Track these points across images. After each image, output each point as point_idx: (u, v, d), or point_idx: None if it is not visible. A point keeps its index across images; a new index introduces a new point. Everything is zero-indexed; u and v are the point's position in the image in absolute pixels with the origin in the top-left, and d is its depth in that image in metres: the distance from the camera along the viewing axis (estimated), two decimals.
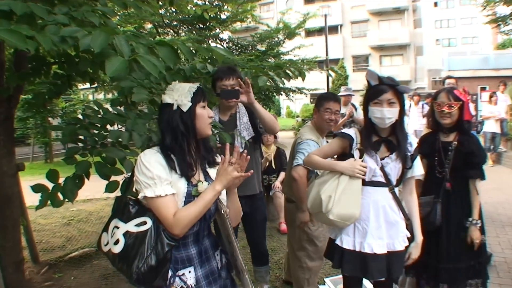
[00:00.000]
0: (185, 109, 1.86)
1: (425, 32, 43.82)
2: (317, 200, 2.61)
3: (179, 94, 1.88)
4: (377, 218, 2.58)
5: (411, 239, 2.72)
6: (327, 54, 20.82)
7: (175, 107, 1.87)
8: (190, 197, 1.86)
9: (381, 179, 2.59)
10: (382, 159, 2.58)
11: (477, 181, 3.15)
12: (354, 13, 41.89)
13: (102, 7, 2.33)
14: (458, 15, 46.34)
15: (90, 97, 16.64)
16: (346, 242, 2.63)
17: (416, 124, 11.89)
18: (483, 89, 20.41)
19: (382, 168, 2.58)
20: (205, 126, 1.94)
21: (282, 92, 17.82)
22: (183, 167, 1.85)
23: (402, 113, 2.56)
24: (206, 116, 1.94)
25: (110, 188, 2.66)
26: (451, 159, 3.11)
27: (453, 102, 3.05)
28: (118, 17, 3.07)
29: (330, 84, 22.87)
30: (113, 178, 2.69)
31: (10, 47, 3.18)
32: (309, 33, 22.60)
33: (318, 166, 2.75)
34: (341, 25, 42.14)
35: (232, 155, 1.87)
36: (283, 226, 6.01)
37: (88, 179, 2.69)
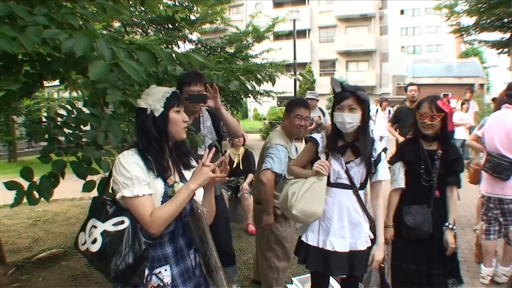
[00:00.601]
0: (157, 114, 1.90)
1: (390, 39, 44.86)
2: (285, 196, 2.81)
3: (153, 99, 1.91)
4: (341, 218, 2.74)
5: (374, 241, 2.85)
6: (295, 58, 21.04)
7: (148, 112, 1.91)
8: (167, 197, 1.91)
9: (346, 181, 2.75)
10: (347, 162, 2.73)
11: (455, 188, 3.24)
12: (322, 18, 42.45)
13: (82, 10, 2.36)
14: (423, 23, 47.73)
15: (55, 95, 16.29)
16: (311, 238, 2.79)
17: (381, 129, 11.92)
18: (446, 95, 21.06)
19: (346, 171, 2.74)
20: (179, 130, 1.98)
21: (250, 95, 17.92)
22: (159, 168, 1.90)
23: (364, 119, 2.70)
24: (180, 120, 1.97)
25: (87, 187, 2.69)
26: (438, 167, 3.12)
27: (435, 113, 3.04)
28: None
29: (298, 88, 23.10)
30: (89, 178, 2.71)
31: None
32: (278, 36, 22.73)
33: (298, 176, 2.85)
34: (309, 30, 42.61)
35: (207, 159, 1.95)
36: (251, 227, 6.08)
37: (63, 178, 2.71)
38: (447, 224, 3.14)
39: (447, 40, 39.60)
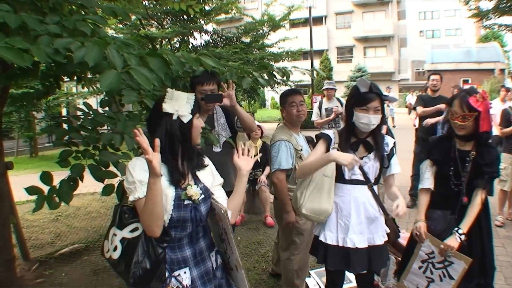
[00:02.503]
0: (185, 120, 1.94)
1: (408, 23, 44.14)
2: (294, 197, 2.87)
3: (179, 105, 1.94)
4: (358, 214, 2.73)
5: (390, 235, 2.86)
6: (311, 46, 20.90)
7: (175, 117, 1.94)
8: (179, 200, 1.94)
9: (360, 177, 2.76)
10: (361, 158, 2.73)
11: (483, 194, 2.88)
12: (338, 4, 41.88)
13: (93, 16, 2.39)
14: (441, 7, 46.82)
15: (74, 90, 16.48)
16: (330, 237, 2.77)
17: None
18: (465, 82, 20.73)
19: (360, 167, 2.74)
20: (198, 135, 2.05)
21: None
22: (175, 176, 1.94)
23: (382, 118, 2.71)
24: (199, 126, 2.03)
25: (105, 191, 2.75)
26: (469, 171, 2.87)
27: (467, 113, 2.76)
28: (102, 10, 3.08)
29: (315, 76, 22.96)
30: (108, 181, 2.77)
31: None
32: (294, 24, 22.55)
33: (310, 169, 2.73)
34: (325, 16, 42.16)
35: None
36: (269, 220, 6.14)
37: (82, 181, 2.77)
38: (456, 228, 2.84)
39: (466, 24, 38.81)
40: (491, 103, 3.21)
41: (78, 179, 2.72)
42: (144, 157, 1.73)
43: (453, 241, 2.80)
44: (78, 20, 2.21)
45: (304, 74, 4.01)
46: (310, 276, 4.29)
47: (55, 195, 2.70)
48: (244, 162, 2.22)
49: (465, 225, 2.84)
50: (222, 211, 2.01)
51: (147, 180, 1.83)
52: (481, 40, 32.15)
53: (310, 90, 23.07)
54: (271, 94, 38.77)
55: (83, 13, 2.63)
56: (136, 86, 2.54)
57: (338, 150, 2.72)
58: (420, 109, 6.64)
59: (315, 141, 2.94)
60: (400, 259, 3.74)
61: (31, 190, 2.72)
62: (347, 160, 2.48)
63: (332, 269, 2.85)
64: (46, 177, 2.69)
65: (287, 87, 19.44)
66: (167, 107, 1.95)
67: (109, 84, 1.74)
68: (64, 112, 15.97)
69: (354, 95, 2.75)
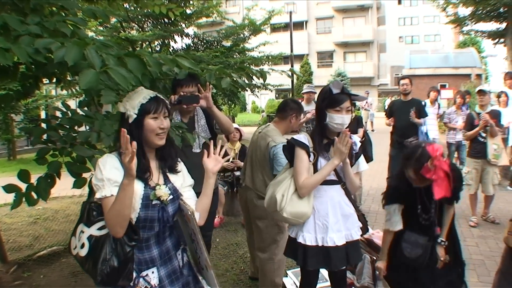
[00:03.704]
0: (130, 120, 1.95)
1: (388, 29, 44.76)
2: (273, 199, 2.85)
3: (130, 105, 1.95)
4: (335, 213, 2.81)
5: (362, 229, 2.98)
6: (291, 51, 21.04)
7: (126, 116, 1.97)
8: (147, 200, 1.97)
9: (334, 177, 2.84)
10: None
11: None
12: (319, 9, 42.35)
13: (73, 17, 2.43)
14: (421, 13, 47.58)
15: (53, 92, 16.30)
16: (309, 238, 2.81)
17: (433, 130, 9.14)
18: (442, 86, 21.09)
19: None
20: (152, 137, 1.99)
21: (247, 88, 17.92)
22: (137, 170, 1.88)
23: (359, 121, 2.81)
24: (155, 127, 1.98)
25: (78, 184, 2.77)
26: (436, 203, 2.96)
27: (421, 180, 2.80)
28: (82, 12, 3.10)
29: (295, 80, 23.12)
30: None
31: None
32: (275, 29, 22.77)
33: (318, 181, 2.74)
34: (306, 21, 42.52)
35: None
36: None
37: (59, 178, 2.80)
38: (439, 240, 3.06)
39: (445, 30, 39.50)
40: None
41: (55, 176, 2.74)
42: (122, 157, 1.75)
43: (441, 250, 3.06)
44: (59, 21, 2.25)
45: (282, 74, 4.10)
46: (287, 276, 4.36)
47: (33, 192, 2.72)
48: (212, 163, 2.18)
49: (443, 234, 3.10)
50: (189, 213, 2.04)
51: (116, 178, 1.86)
52: (460, 46, 32.69)
53: (290, 94, 23.24)
54: (252, 98, 38.90)
55: (63, 14, 2.66)
56: (115, 86, 2.58)
57: (314, 154, 2.80)
58: (390, 121, 7.08)
59: (287, 146, 2.95)
60: (375, 258, 3.86)
61: (8, 188, 2.74)
62: (344, 152, 2.64)
63: (313, 269, 2.90)
64: (23, 175, 2.72)
65: (268, 91, 19.60)
66: (120, 106, 1.99)
67: (87, 82, 1.79)
68: (43, 114, 15.78)
69: (327, 97, 2.81)
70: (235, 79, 3.33)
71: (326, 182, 2.80)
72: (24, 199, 2.75)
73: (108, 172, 1.88)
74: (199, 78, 3.43)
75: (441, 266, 3.05)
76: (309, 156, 2.80)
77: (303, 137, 2.86)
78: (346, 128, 2.75)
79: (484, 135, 6.11)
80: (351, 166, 2.85)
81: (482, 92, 6.40)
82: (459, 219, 6.31)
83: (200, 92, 3.34)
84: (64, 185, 2.92)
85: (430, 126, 8.77)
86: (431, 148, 2.75)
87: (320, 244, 2.78)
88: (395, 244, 3.13)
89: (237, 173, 6.53)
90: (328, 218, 2.79)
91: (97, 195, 1.87)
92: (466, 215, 6.47)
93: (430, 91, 9.60)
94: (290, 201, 2.76)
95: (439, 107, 9.66)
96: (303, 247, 2.82)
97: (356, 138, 2.96)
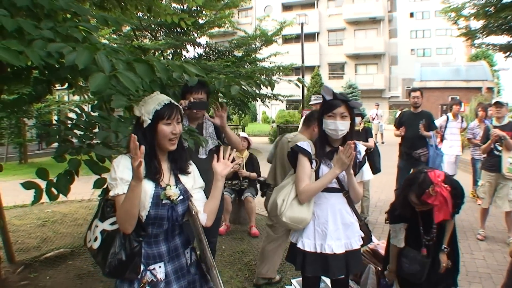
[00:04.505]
0: (145, 125, 2.05)
1: (400, 42, 44.78)
2: (274, 204, 2.89)
3: (145, 110, 2.05)
4: (335, 220, 2.82)
5: (364, 239, 2.98)
6: (303, 62, 21.13)
7: (141, 121, 2.07)
8: (157, 199, 2.06)
9: (335, 185, 2.85)
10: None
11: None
12: (331, 21, 42.52)
13: (85, 23, 2.51)
14: (433, 26, 47.56)
15: (66, 98, 16.50)
16: (308, 244, 2.84)
17: (455, 146, 8.89)
18: (453, 99, 21.04)
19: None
20: (165, 142, 2.09)
21: (258, 98, 18.02)
22: (149, 171, 2.04)
23: (352, 125, 2.82)
24: (167, 132, 2.07)
25: (98, 184, 2.85)
26: (436, 225, 3.09)
27: (423, 205, 2.96)
28: (95, 19, 3.18)
29: (306, 92, 23.17)
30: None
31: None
32: (286, 40, 22.88)
33: (318, 189, 2.79)
34: (318, 33, 42.70)
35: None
36: (254, 230, 6.23)
37: (78, 176, 2.89)
38: (442, 247, 3.21)
39: (457, 43, 39.46)
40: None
41: (74, 173, 2.83)
42: (131, 161, 1.85)
43: (444, 256, 3.20)
44: (71, 27, 2.33)
45: (290, 83, 4.16)
46: (291, 285, 4.37)
47: (53, 188, 2.81)
48: (221, 166, 2.27)
49: (445, 241, 3.22)
50: (193, 212, 2.14)
51: (128, 178, 1.95)
52: (471, 59, 32.60)
53: (301, 105, 23.29)
54: (263, 108, 39.00)
55: (76, 21, 2.74)
56: (125, 91, 2.65)
57: (316, 161, 2.83)
58: (400, 131, 6.89)
59: (291, 153, 2.99)
60: (380, 268, 3.86)
61: (27, 185, 2.82)
62: (346, 163, 2.62)
63: (311, 275, 2.92)
64: (42, 173, 2.81)
65: (278, 102, 19.65)
66: (135, 110, 2.09)
67: (97, 85, 1.86)
68: (54, 120, 15.97)
69: (322, 104, 2.87)
70: (243, 87, 3.38)
71: (328, 190, 2.82)
72: (45, 195, 2.84)
73: (121, 172, 1.98)
74: (208, 85, 3.51)
75: (443, 271, 3.19)
76: (311, 163, 2.83)
77: (306, 144, 2.91)
78: (345, 135, 2.79)
79: (500, 148, 5.93)
80: (355, 174, 2.84)
81: (499, 104, 6.29)
82: (467, 232, 6.30)
83: (216, 111, 3.43)
84: (74, 189, 3.00)
85: (453, 142, 8.61)
86: (433, 175, 2.90)
87: (318, 251, 2.80)
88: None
89: (245, 183, 6.58)
90: (328, 225, 2.80)
91: (111, 193, 1.98)
92: (474, 228, 6.46)
93: (453, 104, 8.98)
94: (290, 206, 2.80)
95: (462, 121, 9.00)
96: (302, 253, 2.85)
97: (362, 147, 2.97)
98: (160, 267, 2.10)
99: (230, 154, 2.35)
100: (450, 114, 8.79)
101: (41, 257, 5.17)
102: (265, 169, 7.05)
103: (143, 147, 1.82)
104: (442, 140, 8.53)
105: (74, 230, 6.57)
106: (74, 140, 2.95)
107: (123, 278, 2.02)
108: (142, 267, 2.04)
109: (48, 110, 14.32)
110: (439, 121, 8.48)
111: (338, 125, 2.73)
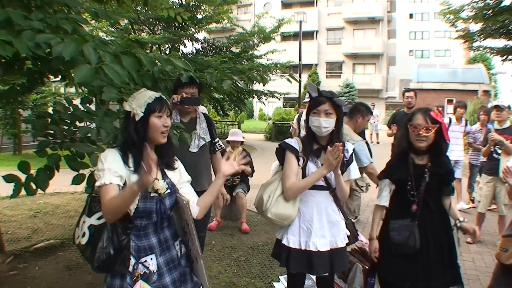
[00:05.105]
0: (137, 118, 2.07)
1: (398, 42, 44.78)
2: (260, 200, 2.92)
3: (136, 104, 2.07)
4: (320, 218, 2.83)
5: (350, 238, 3.00)
6: (300, 60, 21.16)
7: (131, 115, 2.08)
8: (146, 192, 2.05)
9: (322, 183, 2.85)
10: (322, 165, 2.81)
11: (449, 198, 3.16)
12: (330, 20, 42.51)
13: (75, 16, 2.51)
14: (432, 28, 47.52)
15: (62, 90, 16.47)
16: (292, 241, 2.85)
17: (457, 150, 8.31)
18: (450, 101, 21.08)
19: None
20: (157, 135, 2.12)
21: (254, 95, 18.04)
22: (136, 166, 2.06)
23: (338, 123, 2.81)
24: (159, 125, 2.10)
25: (76, 180, 2.84)
26: (427, 182, 2.99)
27: (430, 125, 2.90)
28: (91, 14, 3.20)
29: (302, 89, 23.20)
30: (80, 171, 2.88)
31: None
32: (286, 37, 22.87)
33: (304, 187, 2.81)
34: (316, 31, 42.69)
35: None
36: (244, 226, 6.26)
37: (58, 171, 2.89)
38: (459, 220, 3.07)
39: (455, 46, 39.48)
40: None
41: (54, 168, 2.82)
42: (143, 174, 1.81)
43: (466, 227, 3.05)
44: (61, 19, 2.34)
45: (282, 78, 4.19)
46: (279, 281, 4.40)
47: (32, 183, 2.80)
48: (226, 166, 2.28)
49: (458, 215, 3.12)
50: (185, 202, 2.15)
51: (116, 169, 1.99)
52: (470, 62, 32.62)
53: (297, 103, 23.33)
54: (260, 106, 39.03)
55: (66, 12, 2.75)
56: (112, 83, 2.67)
57: (303, 158, 2.84)
58: (392, 129, 6.82)
59: (279, 149, 2.99)
60: (367, 267, 3.88)
61: (8, 178, 2.82)
62: (333, 164, 2.61)
63: (294, 272, 2.92)
64: (24, 166, 2.81)
65: (275, 99, 19.69)
66: (126, 105, 2.11)
67: (82, 76, 1.88)
68: (50, 111, 15.91)
69: (309, 101, 2.89)
70: (236, 82, 3.40)
71: (314, 187, 2.83)
72: (23, 189, 2.83)
73: (109, 163, 2.01)
74: (200, 79, 3.54)
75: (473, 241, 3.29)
76: (298, 160, 2.85)
77: (294, 141, 2.91)
78: (332, 133, 2.80)
79: (500, 151, 5.83)
80: (342, 173, 2.83)
81: (499, 108, 6.28)
82: (458, 234, 6.31)
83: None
84: (66, 181, 3.01)
85: (455, 146, 7.97)
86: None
87: (303, 248, 2.81)
88: (385, 247, 3.15)
89: (236, 179, 6.60)
90: (313, 223, 2.81)
91: (97, 183, 1.99)
92: None
93: (457, 107, 8.31)
94: (276, 203, 2.82)
95: (466, 124, 8.28)
96: (287, 249, 2.86)
97: (350, 145, 2.98)
98: (151, 259, 2.12)
99: (235, 158, 2.36)
100: (453, 117, 8.26)
101: (31, 247, 5.17)
102: (258, 166, 7.09)
103: (154, 156, 1.84)
104: None
105: (66, 221, 6.57)
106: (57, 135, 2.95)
107: (113, 272, 2.04)
108: (133, 261, 2.06)
109: (44, 102, 14.30)
110: None
111: (322, 122, 2.73)
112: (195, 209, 2.25)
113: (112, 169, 1.99)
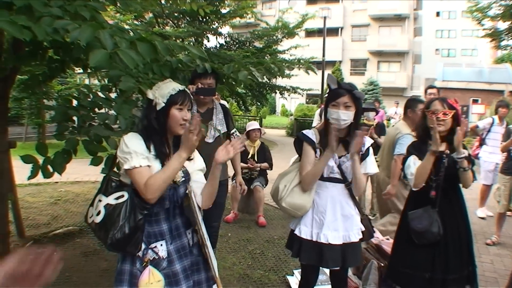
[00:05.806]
0: (158, 108, 2.11)
1: (424, 41, 43.99)
2: (276, 189, 2.94)
3: (159, 93, 2.12)
4: (334, 211, 2.83)
5: (364, 234, 2.96)
6: (323, 56, 21.03)
7: (153, 104, 2.13)
8: None
9: (338, 176, 2.84)
10: (339, 157, 2.82)
11: None
12: (355, 16, 42.06)
13: (94, 3, 2.55)
14: (459, 26, 46.53)
15: (86, 82, 16.71)
16: (304, 232, 2.86)
17: (496, 153, 7.33)
18: (475, 101, 20.66)
19: (339, 166, 2.83)
20: (176, 126, 2.15)
21: (276, 90, 18.02)
22: (157, 153, 2.12)
23: (357, 116, 2.77)
24: (179, 117, 2.13)
25: (94, 162, 2.89)
26: (444, 168, 3.03)
27: (447, 110, 3.02)
28: (118, 5, 3.23)
29: (325, 86, 23.05)
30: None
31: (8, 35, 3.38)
32: (310, 33, 22.75)
33: (315, 177, 2.81)
34: (341, 28, 42.29)
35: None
36: (261, 219, 6.27)
37: (75, 155, 2.93)
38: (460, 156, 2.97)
39: (482, 45, 38.65)
40: None
41: (71, 152, 2.87)
42: (190, 135, 1.97)
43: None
44: (80, 6, 2.39)
45: (299, 69, 4.19)
46: (293, 275, 4.40)
47: (49, 166, 2.85)
48: (221, 153, 2.18)
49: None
50: (187, 191, 2.19)
51: (142, 152, 2.05)
52: (497, 62, 31.88)
53: (320, 99, 23.20)
54: (282, 102, 38.95)
55: None
56: (133, 73, 2.70)
57: (320, 150, 2.82)
58: None
59: (297, 140, 3.00)
60: (382, 264, 3.85)
61: (26, 158, 2.87)
62: (332, 148, 2.64)
63: (305, 263, 2.94)
64: (41, 149, 2.87)
65: (298, 95, 19.62)
66: (149, 93, 2.16)
67: (97, 61, 1.91)
68: (74, 102, 16.16)
69: (328, 93, 2.86)
70: (252, 73, 3.40)
71: (329, 179, 2.83)
72: (40, 172, 2.88)
73: (134, 146, 2.05)
74: (217, 70, 3.56)
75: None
76: (315, 151, 2.84)
77: (311, 133, 2.92)
78: (350, 125, 2.78)
79: None
80: None
81: None
82: (477, 235, 6.20)
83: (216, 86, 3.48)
84: (87, 170, 3.06)
85: (494, 148, 7.13)
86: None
87: (314, 239, 2.81)
88: (401, 239, 3.23)
89: (255, 172, 6.60)
90: (326, 215, 2.81)
91: (126, 166, 2.03)
92: (484, 232, 6.36)
93: (498, 106, 7.47)
94: (291, 192, 2.83)
95: (507, 125, 7.09)
96: (299, 240, 2.87)
97: (368, 139, 2.95)
98: (161, 245, 2.14)
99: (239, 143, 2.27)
100: (495, 117, 7.45)
101: (50, 233, 5.28)
102: (277, 161, 7.08)
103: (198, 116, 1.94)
104: (480, 145, 7.56)
105: (85, 209, 6.53)
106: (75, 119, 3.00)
107: (124, 251, 2.09)
108: (143, 246, 2.10)
109: (68, 93, 14.53)
110: (482, 123, 7.59)
111: (341, 115, 2.69)
112: (199, 197, 2.27)
113: (139, 152, 2.04)
